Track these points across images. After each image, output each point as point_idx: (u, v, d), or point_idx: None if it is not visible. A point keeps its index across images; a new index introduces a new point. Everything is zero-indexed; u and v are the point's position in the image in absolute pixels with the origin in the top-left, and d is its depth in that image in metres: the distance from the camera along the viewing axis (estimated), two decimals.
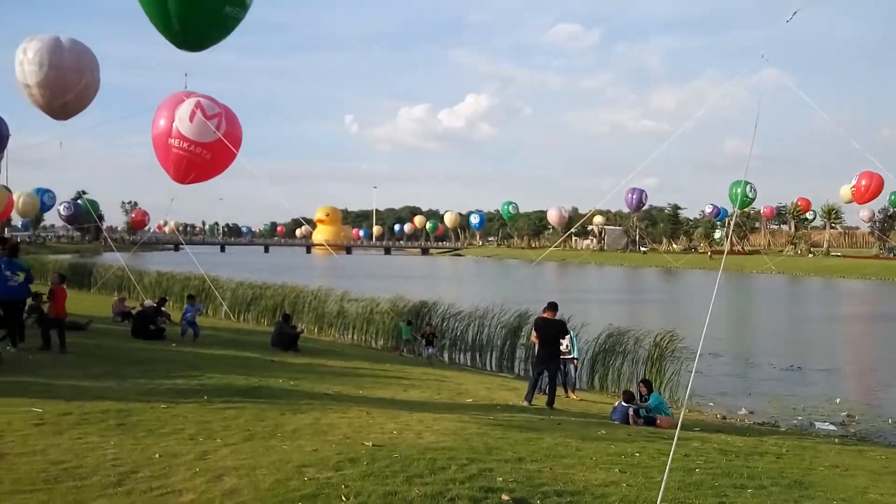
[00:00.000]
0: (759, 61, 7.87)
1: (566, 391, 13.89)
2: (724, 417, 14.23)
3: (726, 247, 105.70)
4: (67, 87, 17.65)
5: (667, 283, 67.40)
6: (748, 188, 77.62)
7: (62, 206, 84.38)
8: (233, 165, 17.92)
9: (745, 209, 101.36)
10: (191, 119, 16.02)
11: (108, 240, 65.02)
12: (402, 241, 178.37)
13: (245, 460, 5.74)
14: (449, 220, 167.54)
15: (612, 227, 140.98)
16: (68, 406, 7.35)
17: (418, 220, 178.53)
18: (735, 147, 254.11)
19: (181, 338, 16.26)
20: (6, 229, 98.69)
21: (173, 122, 16.04)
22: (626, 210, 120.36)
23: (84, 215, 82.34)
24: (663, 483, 5.31)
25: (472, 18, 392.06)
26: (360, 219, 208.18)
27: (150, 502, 4.60)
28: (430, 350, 19.29)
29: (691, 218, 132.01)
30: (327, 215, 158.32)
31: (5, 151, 25.64)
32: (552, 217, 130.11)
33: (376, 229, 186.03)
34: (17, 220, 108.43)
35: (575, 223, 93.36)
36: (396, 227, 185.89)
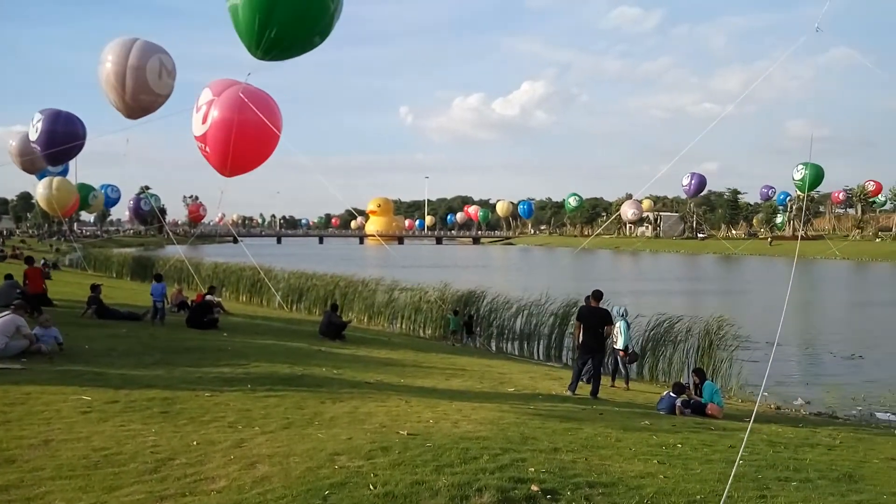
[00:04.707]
0: (815, 35, 7.39)
1: (612, 381, 13.67)
2: (779, 408, 13.74)
3: (790, 231, 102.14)
4: (167, 95, 18.64)
5: (725, 271, 65.52)
6: (811, 171, 74.16)
7: (132, 202, 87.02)
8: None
9: (811, 192, 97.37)
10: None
11: (169, 233, 67.22)
12: (453, 231, 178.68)
13: (280, 448, 5.83)
14: (501, 209, 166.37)
15: (668, 214, 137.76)
16: (116, 394, 7.61)
17: (471, 209, 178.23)
18: (800, 129, 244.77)
19: (154, 323, 15.88)
20: (75, 224, 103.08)
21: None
22: (683, 196, 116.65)
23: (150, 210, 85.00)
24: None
25: (532, 4, 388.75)
26: (412, 209, 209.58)
27: (182, 489, 4.71)
28: (468, 339, 19.49)
29: (752, 203, 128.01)
30: (379, 206, 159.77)
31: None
32: (626, 213, 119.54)
33: (428, 219, 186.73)
34: (85, 216, 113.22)
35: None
36: (450, 217, 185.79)
